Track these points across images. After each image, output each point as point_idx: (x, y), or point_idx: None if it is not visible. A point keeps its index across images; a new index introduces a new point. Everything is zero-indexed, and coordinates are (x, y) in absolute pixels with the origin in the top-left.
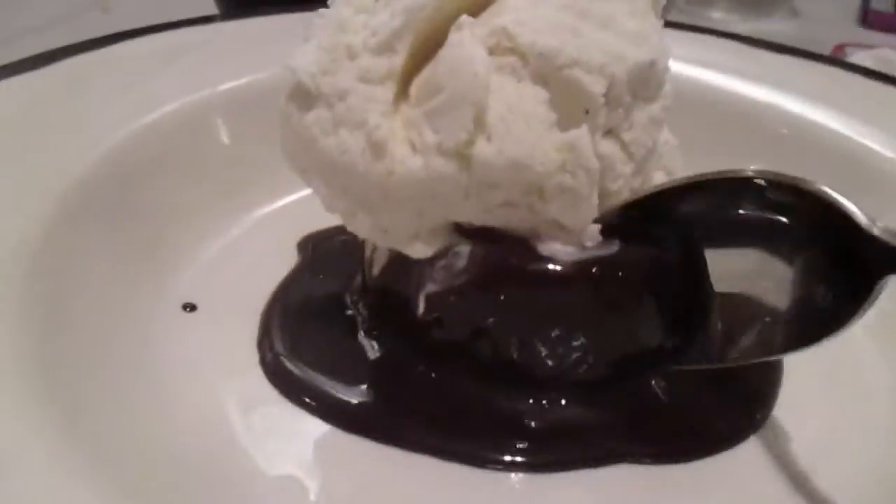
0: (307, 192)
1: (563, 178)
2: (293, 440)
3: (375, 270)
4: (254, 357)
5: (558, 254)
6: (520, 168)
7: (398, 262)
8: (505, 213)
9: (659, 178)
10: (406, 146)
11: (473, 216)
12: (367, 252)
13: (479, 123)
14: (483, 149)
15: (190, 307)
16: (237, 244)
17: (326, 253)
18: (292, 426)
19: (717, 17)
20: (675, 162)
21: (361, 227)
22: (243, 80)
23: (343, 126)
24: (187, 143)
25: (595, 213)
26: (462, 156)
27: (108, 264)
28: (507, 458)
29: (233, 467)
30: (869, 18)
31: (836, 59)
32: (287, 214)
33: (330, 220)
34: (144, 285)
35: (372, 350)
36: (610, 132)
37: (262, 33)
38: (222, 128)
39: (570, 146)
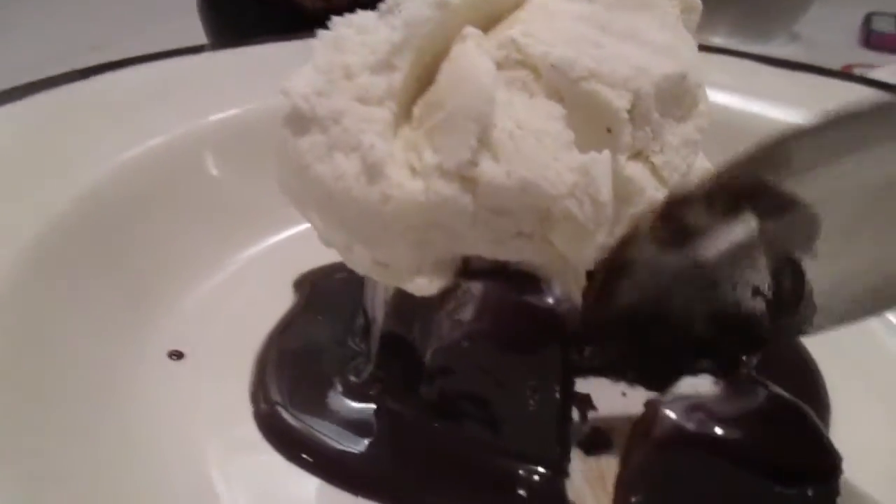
0: (303, 227)
1: (570, 203)
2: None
3: (378, 313)
4: (247, 408)
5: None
6: (530, 190)
7: (403, 303)
8: (518, 245)
9: None
10: (405, 169)
11: (483, 248)
12: (369, 292)
13: (484, 141)
14: (489, 169)
15: (176, 355)
16: (228, 285)
17: (325, 292)
18: (292, 488)
19: (719, 41)
20: None
21: (360, 262)
22: (234, 111)
23: (338, 150)
24: (175, 178)
25: (598, 252)
26: (466, 178)
27: (87, 310)
28: None
29: None
30: (872, 40)
31: (852, 75)
32: (282, 252)
33: (328, 258)
34: (127, 332)
35: (377, 402)
36: (639, 154)
37: (253, 62)
38: (212, 162)
39: (584, 169)
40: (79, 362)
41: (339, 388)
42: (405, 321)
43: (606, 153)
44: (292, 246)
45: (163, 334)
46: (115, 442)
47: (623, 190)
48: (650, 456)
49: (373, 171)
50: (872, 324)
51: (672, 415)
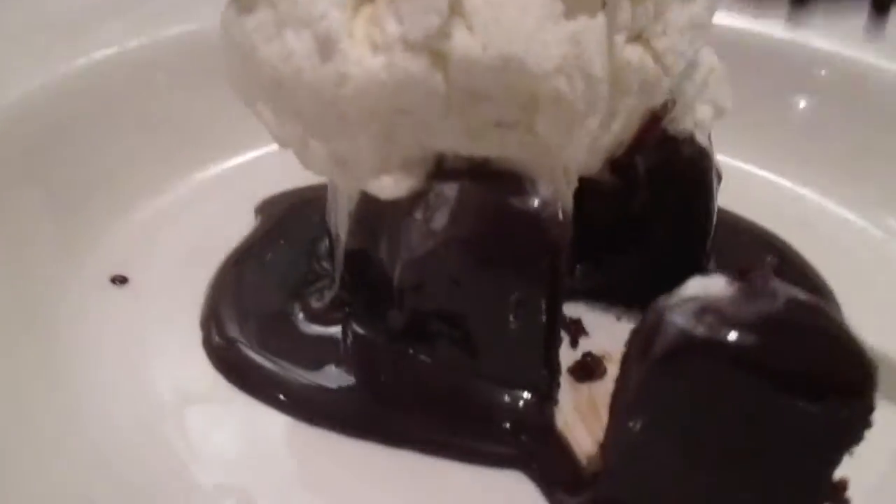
0: (262, 151)
1: (558, 81)
2: (245, 440)
3: (342, 229)
4: (199, 340)
5: None
6: (512, 67)
7: (367, 214)
8: (499, 138)
9: (705, 113)
10: (365, 45)
11: (458, 142)
12: (331, 208)
13: (457, 8)
14: (462, 41)
15: (120, 280)
16: (179, 208)
17: (288, 217)
18: (244, 422)
19: None
20: (723, 95)
21: (316, 160)
22: (190, 27)
23: (287, 26)
24: (123, 94)
25: (589, 142)
26: (435, 52)
27: (20, 229)
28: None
29: (171, 479)
30: None
31: None
32: (241, 176)
33: (291, 183)
34: (62, 253)
35: (343, 328)
36: (638, 37)
37: None
38: (166, 76)
39: (574, 39)
40: (12, 280)
41: (301, 314)
42: (371, 235)
43: (601, 18)
44: (251, 170)
45: (104, 257)
46: (48, 377)
47: (620, 76)
48: (653, 370)
49: (326, 48)
50: None
51: (679, 319)
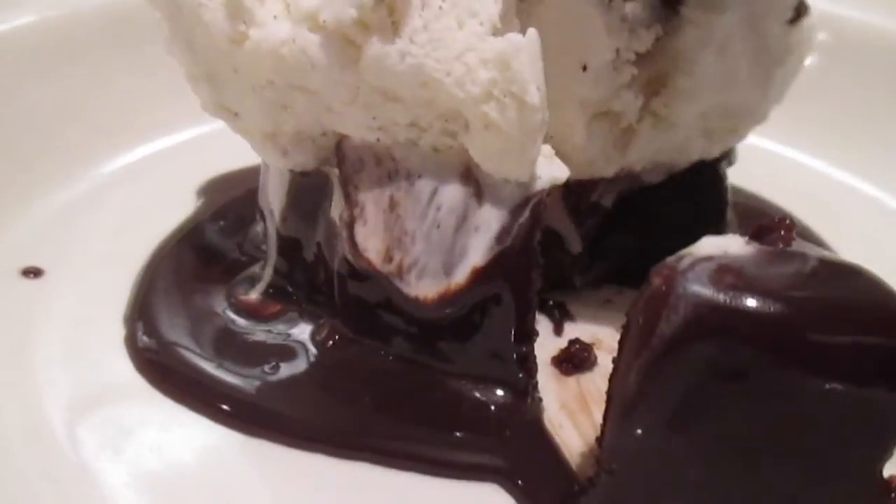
0: (189, 135)
1: (487, 108)
2: (169, 451)
3: (276, 207)
4: (119, 339)
5: None
6: (430, 86)
7: (302, 196)
8: (410, 136)
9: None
10: (276, 11)
11: (362, 130)
12: (264, 191)
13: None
14: (380, 42)
15: (33, 272)
16: (103, 191)
17: (224, 201)
18: (168, 430)
19: None
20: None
21: (205, 100)
22: None
23: None
24: (38, 65)
25: (532, 167)
26: (349, 41)
27: None
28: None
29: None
30: None
31: None
32: (172, 157)
33: (223, 167)
34: None
35: (281, 324)
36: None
37: None
38: (88, 49)
39: (503, 61)
40: None
41: (233, 308)
42: (305, 219)
43: (532, 33)
44: (183, 152)
45: (14, 247)
46: None
47: None
48: (662, 350)
49: (235, 5)
50: None
51: (694, 285)
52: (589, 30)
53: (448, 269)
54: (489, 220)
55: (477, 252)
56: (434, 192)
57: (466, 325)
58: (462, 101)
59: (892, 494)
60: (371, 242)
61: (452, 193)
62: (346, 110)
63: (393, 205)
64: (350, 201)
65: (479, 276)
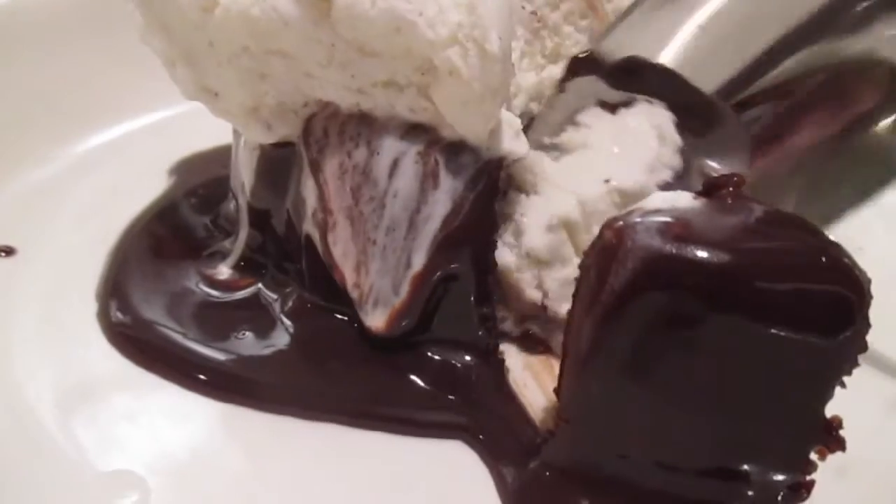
0: (160, 116)
1: (452, 52)
2: (144, 418)
3: (246, 179)
4: (92, 313)
5: None
6: (404, 30)
7: (271, 167)
8: (388, 98)
9: None
10: None
11: (339, 95)
12: (235, 164)
13: None
14: None
15: (5, 251)
16: (75, 170)
17: (195, 178)
18: (142, 400)
19: None
20: None
21: (184, 84)
22: None
23: None
24: (11, 42)
25: (491, 123)
26: None
27: None
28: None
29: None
30: None
31: None
32: (145, 136)
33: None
34: None
35: (253, 294)
36: None
37: None
38: (60, 29)
39: (470, 3)
40: None
41: (205, 281)
42: (275, 190)
43: None
44: (155, 132)
45: None
46: None
47: None
48: (613, 301)
49: None
50: None
51: (643, 237)
52: None
53: (396, 289)
54: (443, 200)
55: (419, 255)
56: (392, 172)
57: (429, 297)
58: (432, 45)
59: (834, 433)
60: (340, 250)
61: (409, 174)
62: (324, 73)
63: (356, 195)
64: (321, 195)
65: (419, 282)
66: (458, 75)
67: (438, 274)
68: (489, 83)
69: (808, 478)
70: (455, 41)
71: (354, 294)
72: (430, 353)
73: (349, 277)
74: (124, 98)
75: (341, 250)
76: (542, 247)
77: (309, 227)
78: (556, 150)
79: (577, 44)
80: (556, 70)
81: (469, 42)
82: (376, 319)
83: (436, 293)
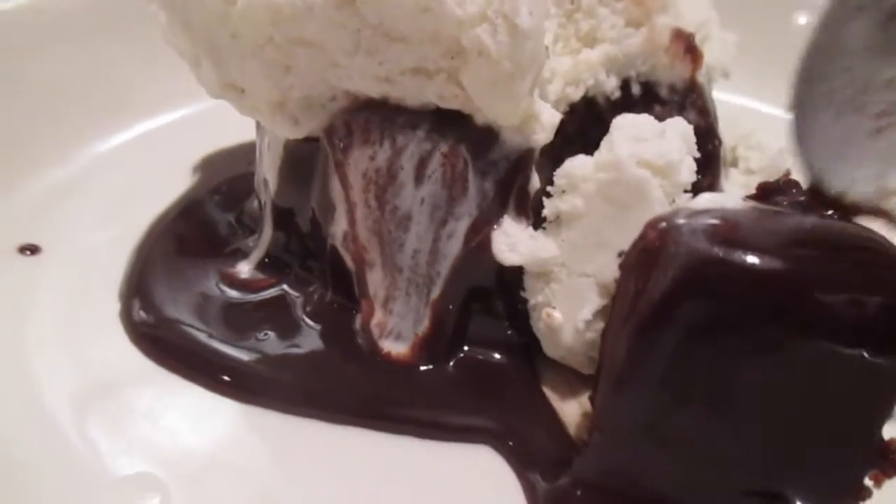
0: (181, 113)
1: (481, 30)
2: (165, 419)
3: (271, 181)
4: (115, 312)
5: None
6: (432, 8)
7: (296, 165)
8: (417, 86)
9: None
10: None
11: (366, 84)
12: (260, 163)
13: None
14: None
15: (30, 249)
16: (99, 168)
17: (220, 176)
18: (162, 400)
19: None
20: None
21: (210, 83)
22: None
23: None
24: (33, 44)
25: (522, 104)
26: None
27: None
28: None
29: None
30: None
31: None
32: (167, 135)
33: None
34: None
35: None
36: None
37: None
38: (83, 27)
39: None
40: None
41: (228, 281)
42: (300, 185)
43: None
44: (177, 130)
45: (11, 225)
46: None
47: None
48: (657, 306)
49: None
50: None
51: (690, 238)
52: None
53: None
54: (468, 210)
55: (438, 283)
56: (418, 175)
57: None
58: (458, 22)
59: (892, 456)
60: (373, 289)
61: (436, 178)
62: (350, 62)
63: (381, 205)
64: (351, 220)
65: (438, 307)
66: (487, 54)
67: (461, 295)
68: (519, 61)
69: None
70: (484, 18)
71: (375, 332)
72: (460, 352)
73: (377, 315)
74: (147, 95)
75: (374, 289)
76: (580, 344)
77: (337, 243)
78: None
79: (613, 27)
80: (592, 54)
81: (498, 18)
82: (398, 347)
83: (462, 315)
